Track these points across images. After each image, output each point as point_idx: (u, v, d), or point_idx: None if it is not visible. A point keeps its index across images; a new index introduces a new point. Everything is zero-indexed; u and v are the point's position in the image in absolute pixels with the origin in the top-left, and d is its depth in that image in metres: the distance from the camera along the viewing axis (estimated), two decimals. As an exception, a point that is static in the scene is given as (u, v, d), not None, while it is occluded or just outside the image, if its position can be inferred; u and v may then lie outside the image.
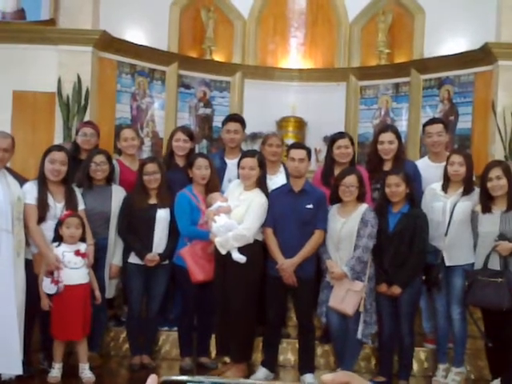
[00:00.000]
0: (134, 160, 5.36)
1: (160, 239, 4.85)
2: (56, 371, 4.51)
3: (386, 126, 6.05)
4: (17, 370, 4.20)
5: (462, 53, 7.81)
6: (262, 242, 4.69)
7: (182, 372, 4.75)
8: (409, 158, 5.89)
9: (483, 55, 7.50)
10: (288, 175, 4.94)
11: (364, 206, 4.59)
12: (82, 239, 4.56)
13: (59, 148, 4.81)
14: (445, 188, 4.72)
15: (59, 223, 4.49)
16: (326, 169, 5.11)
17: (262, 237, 4.68)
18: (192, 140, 5.32)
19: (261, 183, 4.68)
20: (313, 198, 4.64)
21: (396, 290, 4.50)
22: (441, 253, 4.64)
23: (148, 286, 4.89)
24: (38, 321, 4.71)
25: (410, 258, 4.52)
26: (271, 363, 4.82)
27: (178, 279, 4.90)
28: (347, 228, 4.55)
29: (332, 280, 4.57)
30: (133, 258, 4.85)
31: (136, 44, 8.04)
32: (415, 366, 4.94)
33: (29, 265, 4.46)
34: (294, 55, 9.38)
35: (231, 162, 5.17)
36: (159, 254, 4.80)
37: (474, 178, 4.80)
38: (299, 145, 5.33)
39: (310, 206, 4.61)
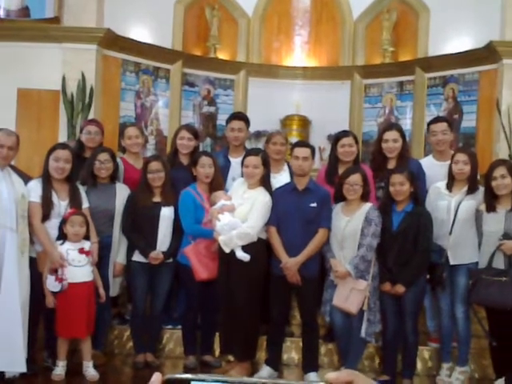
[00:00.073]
0: (138, 158, 5.36)
1: (164, 237, 4.85)
2: (60, 369, 4.52)
3: (390, 125, 6.05)
4: (20, 367, 4.21)
5: (466, 51, 7.79)
6: (265, 241, 4.68)
7: (186, 370, 4.76)
8: (413, 157, 5.88)
9: (488, 54, 7.48)
10: (292, 173, 4.93)
11: (368, 205, 4.58)
12: (86, 237, 4.56)
13: (63, 146, 4.82)
14: (449, 187, 4.71)
15: (63, 221, 4.49)
16: (330, 167, 5.10)
17: (265, 235, 4.68)
18: (196, 138, 5.32)
19: (265, 181, 4.67)
20: (317, 197, 4.63)
21: (400, 288, 4.50)
22: (445, 252, 4.63)
23: (152, 284, 4.90)
24: (43, 318, 4.71)
25: (414, 256, 4.51)
26: (275, 362, 4.81)
27: (182, 277, 4.91)
28: (351, 227, 4.54)
29: (336, 279, 4.57)
30: (137, 256, 4.85)
31: (140, 42, 8.04)
32: (419, 365, 4.93)
33: (33, 263, 4.47)
34: (299, 53, 9.36)
35: (235, 161, 5.17)
36: (163, 252, 4.80)
37: (478, 177, 4.79)
38: (303, 143, 5.32)
39: (314, 205, 4.60)
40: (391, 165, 5.00)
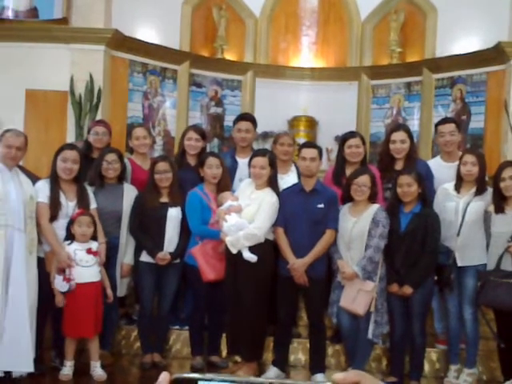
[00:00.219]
0: (146, 159, 5.37)
1: (171, 238, 4.85)
2: (67, 369, 4.53)
3: (397, 126, 6.03)
4: (28, 367, 4.22)
5: (474, 52, 7.76)
6: (272, 242, 4.68)
7: (193, 371, 4.75)
8: (421, 158, 5.86)
9: (496, 54, 7.46)
10: (299, 174, 4.93)
11: (375, 206, 4.57)
12: (94, 238, 4.57)
13: (71, 147, 4.83)
14: (457, 188, 4.70)
15: (71, 222, 4.51)
16: (337, 168, 5.10)
17: (272, 236, 4.68)
18: (204, 139, 5.32)
19: (272, 182, 4.67)
20: (324, 198, 4.63)
21: (407, 290, 4.48)
22: (453, 253, 4.61)
23: (159, 285, 4.90)
24: (50, 318, 4.73)
25: (421, 258, 4.50)
26: (282, 363, 4.81)
27: (189, 278, 4.91)
28: (358, 228, 4.53)
29: (343, 280, 4.56)
30: (144, 257, 4.86)
31: (148, 43, 8.05)
32: (427, 367, 4.92)
33: (41, 263, 4.49)
34: (306, 54, 9.36)
35: (242, 161, 5.17)
36: (170, 253, 4.81)
37: (486, 178, 4.77)
38: (310, 144, 5.32)
39: (321, 206, 4.60)
40: (399, 166, 4.99)
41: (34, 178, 4.73)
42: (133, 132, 5.39)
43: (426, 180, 4.71)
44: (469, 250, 4.61)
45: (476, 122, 7.79)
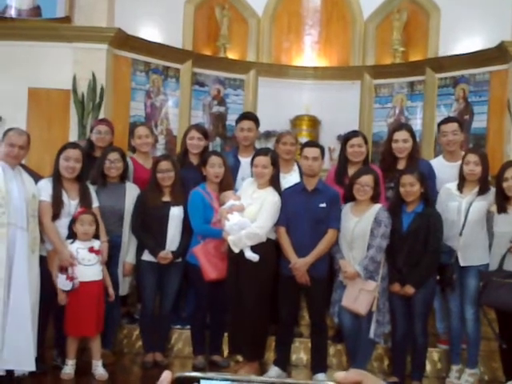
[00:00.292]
0: (148, 158, 5.37)
1: (173, 237, 4.85)
2: (69, 368, 4.54)
3: (400, 125, 6.03)
4: (30, 366, 4.22)
5: (477, 51, 7.75)
6: (274, 241, 4.68)
7: (195, 370, 4.76)
8: (423, 157, 5.85)
9: (499, 54, 7.44)
10: (302, 174, 4.92)
11: (378, 206, 4.57)
12: (96, 236, 4.58)
13: (74, 145, 4.84)
14: (460, 187, 4.69)
15: (73, 220, 4.51)
16: (340, 168, 5.09)
17: (274, 235, 4.68)
18: (206, 138, 5.32)
19: (274, 181, 4.67)
20: (326, 197, 4.62)
21: (409, 289, 4.48)
22: (455, 253, 4.61)
23: (161, 284, 4.90)
24: (52, 317, 4.73)
25: (424, 257, 4.50)
26: (283, 362, 4.81)
27: (191, 277, 4.91)
28: (360, 227, 4.53)
29: (345, 279, 4.56)
30: (146, 256, 4.86)
31: (150, 42, 8.05)
32: (428, 367, 4.91)
33: (43, 261, 4.49)
34: (309, 53, 9.35)
35: (245, 161, 5.16)
36: (172, 252, 4.81)
37: (489, 178, 4.76)
38: (313, 143, 5.31)
39: (324, 205, 4.59)
40: (401, 165, 4.98)
41: (37, 177, 4.74)
42: (135, 131, 5.39)
43: (428, 179, 4.71)
44: (471, 249, 4.60)
45: (479, 122, 7.78)
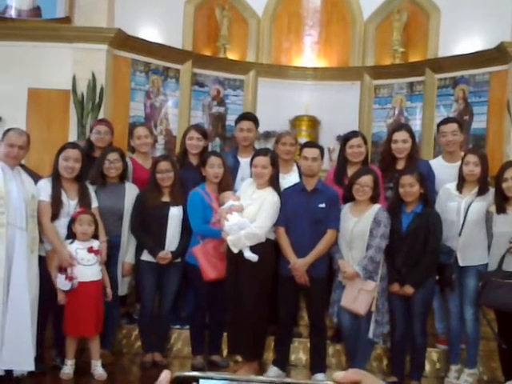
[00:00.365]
0: (147, 158, 5.37)
1: (172, 237, 4.86)
2: (68, 368, 4.54)
3: (399, 125, 6.03)
4: (29, 366, 4.22)
5: (477, 52, 7.75)
6: (274, 241, 4.68)
7: (194, 370, 4.76)
8: (422, 158, 5.86)
9: (498, 54, 7.45)
10: (301, 174, 4.93)
11: (377, 206, 4.57)
12: (95, 236, 4.58)
13: (73, 145, 4.84)
14: (459, 188, 4.69)
15: (72, 220, 4.51)
16: (339, 168, 5.10)
17: (274, 236, 4.68)
18: (205, 138, 5.32)
19: (273, 182, 4.67)
20: (325, 197, 4.63)
21: (408, 289, 4.48)
22: (454, 253, 4.61)
23: (160, 284, 4.91)
24: (51, 317, 4.73)
25: (423, 257, 4.50)
26: (283, 362, 4.81)
27: (190, 277, 4.91)
28: (359, 227, 4.53)
29: (344, 280, 4.56)
30: (145, 256, 4.86)
31: (150, 42, 8.05)
32: (427, 367, 4.92)
33: (42, 262, 4.49)
34: (308, 54, 9.35)
35: (244, 161, 5.17)
36: (171, 252, 4.81)
37: (488, 179, 4.77)
38: (312, 144, 5.32)
39: (323, 206, 4.60)
40: (400, 165, 4.99)
41: (36, 177, 4.74)
42: (134, 131, 5.39)
43: (427, 180, 4.71)
44: (470, 250, 4.60)
45: (478, 122, 7.78)
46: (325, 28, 9.28)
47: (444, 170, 5.03)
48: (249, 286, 4.55)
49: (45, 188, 4.56)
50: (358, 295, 4.47)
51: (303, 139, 7.91)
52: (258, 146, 6.32)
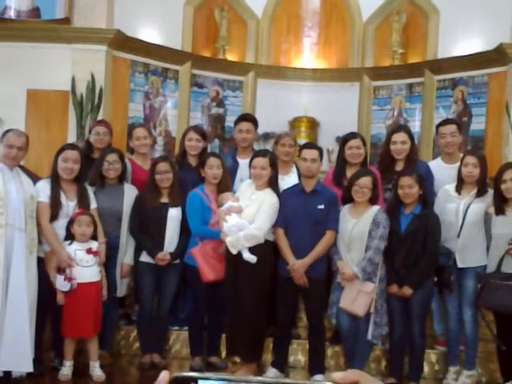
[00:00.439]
0: (146, 159, 5.37)
1: (171, 238, 4.85)
2: (67, 369, 4.53)
3: (398, 126, 6.02)
4: (27, 367, 4.22)
5: (476, 53, 7.76)
6: (272, 242, 4.68)
7: (192, 371, 4.74)
8: (421, 159, 5.86)
9: (498, 56, 7.45)
10: (300, 175, 4.93)
11: (376, 207, 4.57)
12: (94, 237, 4.58)
13: (72, 146, 4.84)
14: (458, 189, 4.69)
15: (71, 221, 4.51)
16: (338, 169, 5.10)
17: (273, 237, 4.68)
18: (204, 139, 5.32)
19: (272, 183, 4.67)
20: (324, 199, 4.63)
21: (407, 291, 4.48)
22: (453, 254, 4.61)
23: (159, 285, 4.90)
24: (50, 319, 4.73)
25: (421, 259, 4.50)
26: (281, 364, 4.81)
27: (189, 278, 4.91)
28: (358, 229, 4.53)
29: (343, 281, 4.56)
30: (144, 257, 4.86)
31: (150, 43, 8.06)
32: (426, 369, 4.92)
33: (41, 263, 4.48)
34: (308, 55, 9.36)
35: (243, 162, 5.17)
36: (170, 253, 4.81)
37: (487, 180, 4.77)
38: (311, 145, 5.32)
39: (322, 207, 4.60)
40: (399, 167, 4.99)
41: (35, 178, 4.74)
42: (133, 132, 5.39)
43: (425, 181, 4.71)
44: (469, 251, 4.61)
45: (477, 124, 7.79)
46: (324, 29, 9.29)
47: (443, 172, 5.03)
48: (247, 287, 4.55)
49: (44, 189, 4.55)
50: (357, 296, 4.47)
51: (302, 140, 7.90)
52: (257, 147, 6.31)
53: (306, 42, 9.36)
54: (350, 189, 4.58)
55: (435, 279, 4.63)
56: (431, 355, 4.99)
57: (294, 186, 4.82)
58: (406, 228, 4.56)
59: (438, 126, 5.37)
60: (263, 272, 4.57)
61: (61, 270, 4.44)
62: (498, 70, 7.58)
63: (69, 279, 4.41)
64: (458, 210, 4.64)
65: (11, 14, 7.38)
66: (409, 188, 4.52)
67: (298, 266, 4.56)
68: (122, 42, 7.68)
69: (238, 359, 4.94)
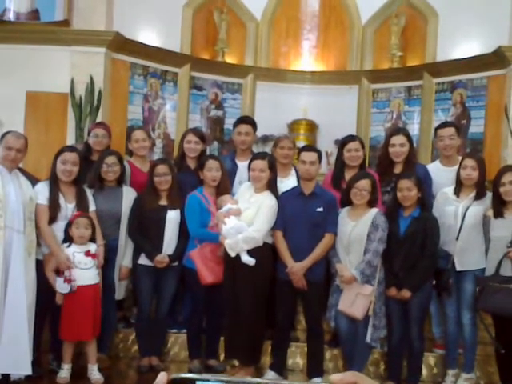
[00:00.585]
0: (145, 161, 5.37)
1: (170, 240, 4.85)
2: (65, 372, 4.52)
3: (397, 129, 6.03)
4: (26, 370, 4.22)
5: (475, 56, 7.76)
6: (271, 245, 4.68)
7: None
8: (420, 162, 5.86)
9: (496, 59, 7.46)
10: (299, 178, 4.93)
11: (374, 210, 4.57)
12: (93, 240, 4.57)
13: (71, 149, 4.84)
14: (457, 192, 4.70)
15: (69, 224, 4.50)
16: (337, 172, 5.10)
17: (271, 239, 4.68)
18: (203, 142, 5.32)
19: (271, 185, 4.67)
20: (323, 201, 4.63)
21: (406, 293, 4.48)
22: (452, 257, 4.61)
23: (157, 288, 4.90)
24: (48, 321, 4.72)
25: (420, 261, 4.50)
26: (280, 367, 4.80)
27: (188, 281, 4.91)
28: (357, 231, 4.53)
29: (342, 284, 4.56)
30: (143, 260, 4.85)
31: (149, 45, 8.06)
32: (424, 372, 4.91)
33: (39, 265, 4.48)
34: (307, 58, 9.36)
35: (242, 164, 5.16)
36: (169, 256, 4.80)
37: (486, 183, 4.77)
38: (310, 147, 5.32)
39: (321, 209, 4.60)
40: (398, 169, 4.99)
41: (34, 180, 4.74)
42: (132, 135, 5.39)
43: (424, 184, 4.71)
44: (468, 254, 4.61)
45: (476, 127, 7.79)
46: (323, 32, 9.29)
47: (441, 174, 5.03)
48: (246, 289, 4.55)
49: (42, 191, 4.55)
50: (356, 299, 4.47)
51: (301, 143, 7.91)
52: (256, 149, 6.31)
53: (305, 44, 9.36)
54: (349, 191, 4.58)
55: (434, 282, 4.63)
56: (430, 358, 4.98)
57: (293, 188, 4.82)
58: (405, 231, 4.56)
59: (436, 129, 5.37)
60: (262, 275, 4.56)
61: (60, 273, 4.44)
62: (497, 73, 7.58)
63: (68, 281, 4.41)
64: (457, 212, 4.65)
65: (10, 16, 7.38)
66: (407, 191, 4.53)
67: (296, 268, 4.55)
68: (121, 44, 7.68)
69: (236, 362, 4.93)
